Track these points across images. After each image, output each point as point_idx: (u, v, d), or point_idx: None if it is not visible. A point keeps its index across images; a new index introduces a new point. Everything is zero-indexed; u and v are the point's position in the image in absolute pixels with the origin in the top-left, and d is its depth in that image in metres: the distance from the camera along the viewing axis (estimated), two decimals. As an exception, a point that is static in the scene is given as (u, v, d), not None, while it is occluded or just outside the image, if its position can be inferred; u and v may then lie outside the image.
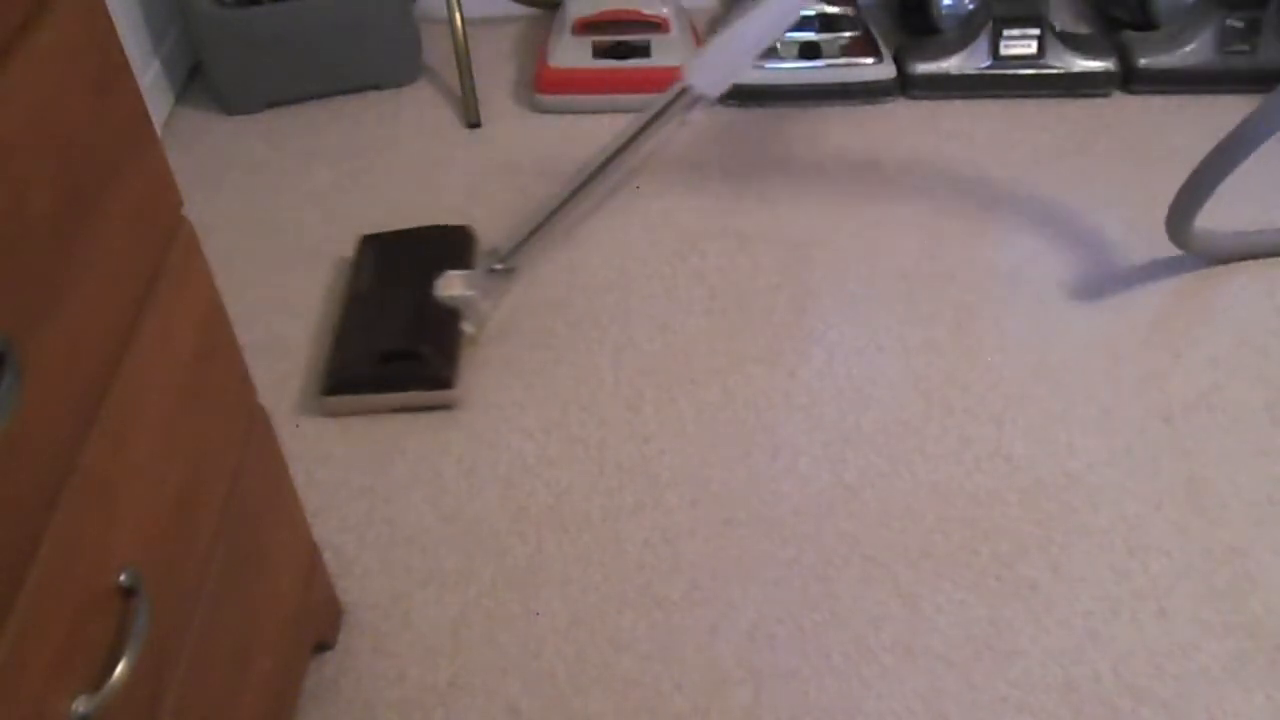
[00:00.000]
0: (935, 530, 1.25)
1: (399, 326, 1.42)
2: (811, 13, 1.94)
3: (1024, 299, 1.54)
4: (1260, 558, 1.22)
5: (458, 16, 1.89)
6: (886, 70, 1.92)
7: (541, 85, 1.91)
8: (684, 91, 1.31)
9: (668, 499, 1.29)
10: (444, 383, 1.38)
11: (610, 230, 1.67)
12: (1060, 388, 1.41)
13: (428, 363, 1.39)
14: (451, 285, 1.44)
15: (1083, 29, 2.07)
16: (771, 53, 1.92)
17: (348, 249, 1.60)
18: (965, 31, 1.93)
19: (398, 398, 1.38)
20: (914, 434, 1.36)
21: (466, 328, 1.44)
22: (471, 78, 1.91)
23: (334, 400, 1.38)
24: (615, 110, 1.92)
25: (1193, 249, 1.52)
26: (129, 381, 0.69)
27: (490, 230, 1.67)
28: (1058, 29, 1.92)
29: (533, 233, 1.38)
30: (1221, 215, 1.50)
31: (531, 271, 1.48)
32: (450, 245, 1.55)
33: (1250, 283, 1.56)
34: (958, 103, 1.93)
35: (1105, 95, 1.93)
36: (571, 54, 1.91)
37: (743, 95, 1.92)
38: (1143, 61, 1.90)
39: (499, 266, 1.40)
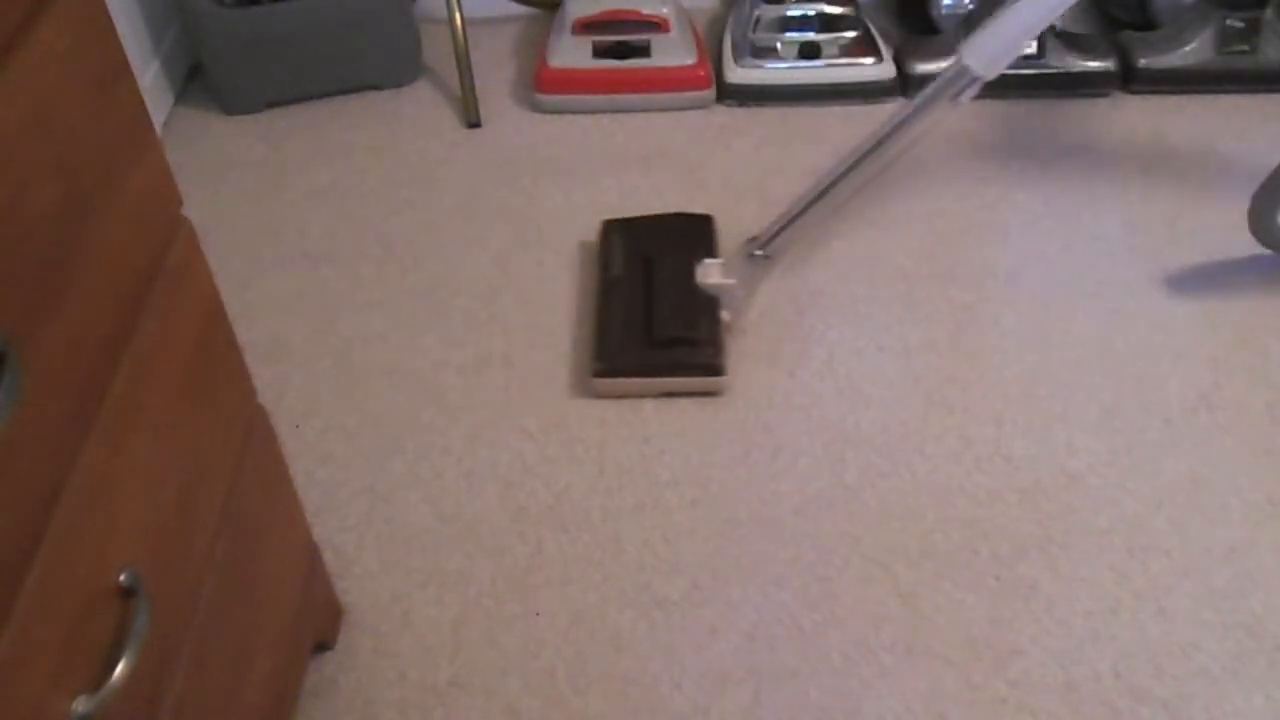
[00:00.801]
0: (935, 530, 1.25)
1: (669, 313, 1.43)
2: (811, 13, 1.94)
3: (1024, 299, 1.54)
4: (1260, 558, 1.22)
5: (458, 16, 1.89)
6: (886, 70, 1.92)
7: (541, 85, 1.91)
8: (960, 73, 1.26)
9: (668, 499, 1.29)
10: (716, 369, 1.39)
11: (610, 230, 1.67)
12: (1060, 388, 1.41)
13: (701, 349, 1.40)
14: (712, 273, 1.45)
15: (1083, 29, 2.07)
16: (771, 53, 1.93)
17: (341, 250, 1.60)
18: (965, 31, 1.93)
19: (668, 382, 1.40)
20: (914, 434, 1.36)
21: (725, 315, 1.45)
22: (471, 78, 1.91)
23: (604, 382, 1.40)
24: (615, 110, 1.92)
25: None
26: (129, 381, 0.69)
27: (495, 234, 1.67)
28: (1058, 29, 1.92)
29: (793, 220, 1.37)
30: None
31: (789, 259, 1.47)
32: (695, 232, 1.57)
33: (1250, 282, 1.56)
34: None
35: (1105, 95, 1.93)
36: (571, 54, 1.91)
37: (743, 95, 1.92)
38: (1143, 61, 1.90)
39: (759, 253, 1.40)
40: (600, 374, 1.40)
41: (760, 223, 1.58)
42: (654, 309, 1.43)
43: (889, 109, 1.91)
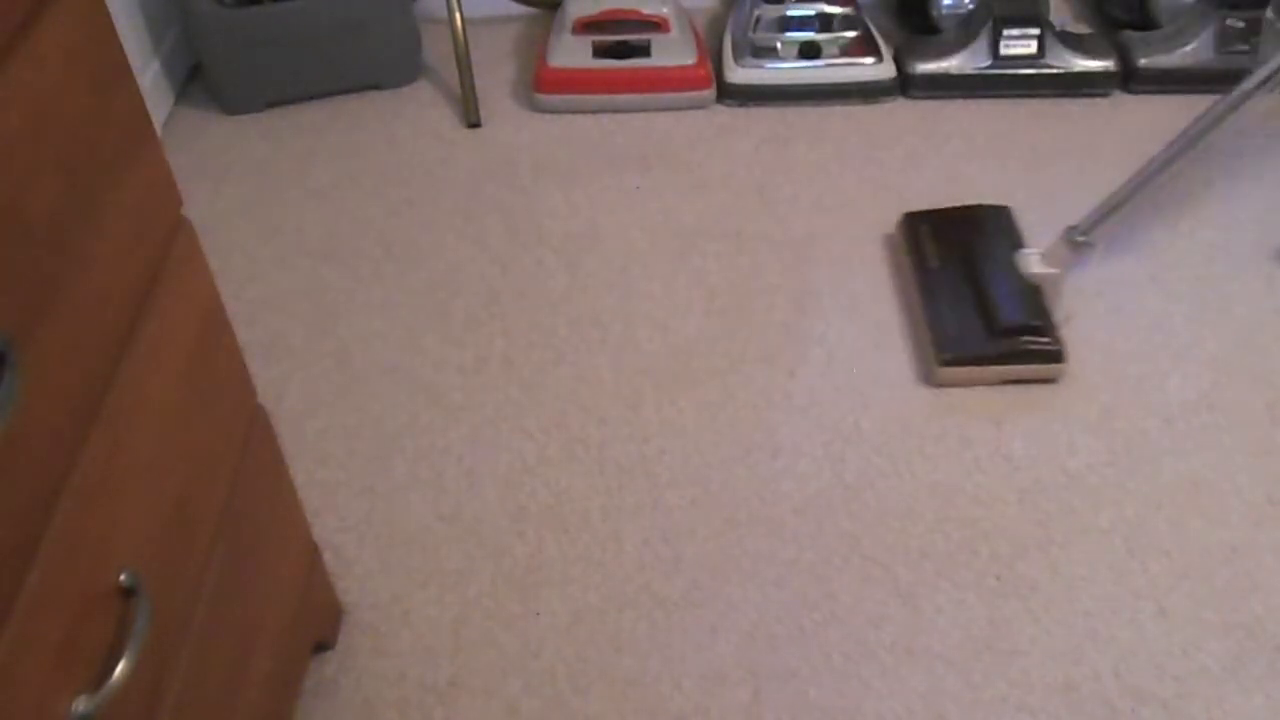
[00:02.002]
0: (935, 530, 1.25)
1: (1007, 302, 1.45)
2: (811, 13, 1.94)
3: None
4: (1260, 558, 1.22)
5: (458, 16, 1.89)
6: (886, 70, 1.92)
7: (541, 85, 1.91)
8: None
9: (668, 499, 1.29)
10: (1058, 356, 1.41)
11: (610, 230, 1.67)
12: (1060, 388, 1.41)
13: (1043, 336, 1.42)
14: (1033, 262, 1.47)
15: (1083, 29, 2.07)
16: (771, 53, 1.93)
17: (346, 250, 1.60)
18: (965, 31, 1.93)
19: (1008, 370, 1.42)
20: (914, 434, 1.36)
21: (1049, 302, 1.47)
22: (471, 78, 1.91)
23: (949, 371, 1.42)
24: (615, 110, 1.92)
25: None
26: (129, 381, 0.69)
27: (494, 234, 1.67)
28: (1058, 29, 1.92)
29: (1117, 207, 1.38)
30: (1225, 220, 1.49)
31: (1109, 246, 1.49)
32: (999, 223, 1.59)
33: (1250, 282, 1.56)
34: (958, 103, 1.93)
35: (1105, 95, 1.93)
36: (571, 54, 1.91)
37: (743, 95, 1.92)
38: (1143, 61, 1.90)
39: (1081, 239, 1.41)
40: (947, 363, 1.42)
41: (761, 222, 1.59)
42: (989, 299, 1.45)
43: (887, 109, 1.91)
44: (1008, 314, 1.43)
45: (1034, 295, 1.47)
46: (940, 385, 1.42)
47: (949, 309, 1.47)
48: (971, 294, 1.48)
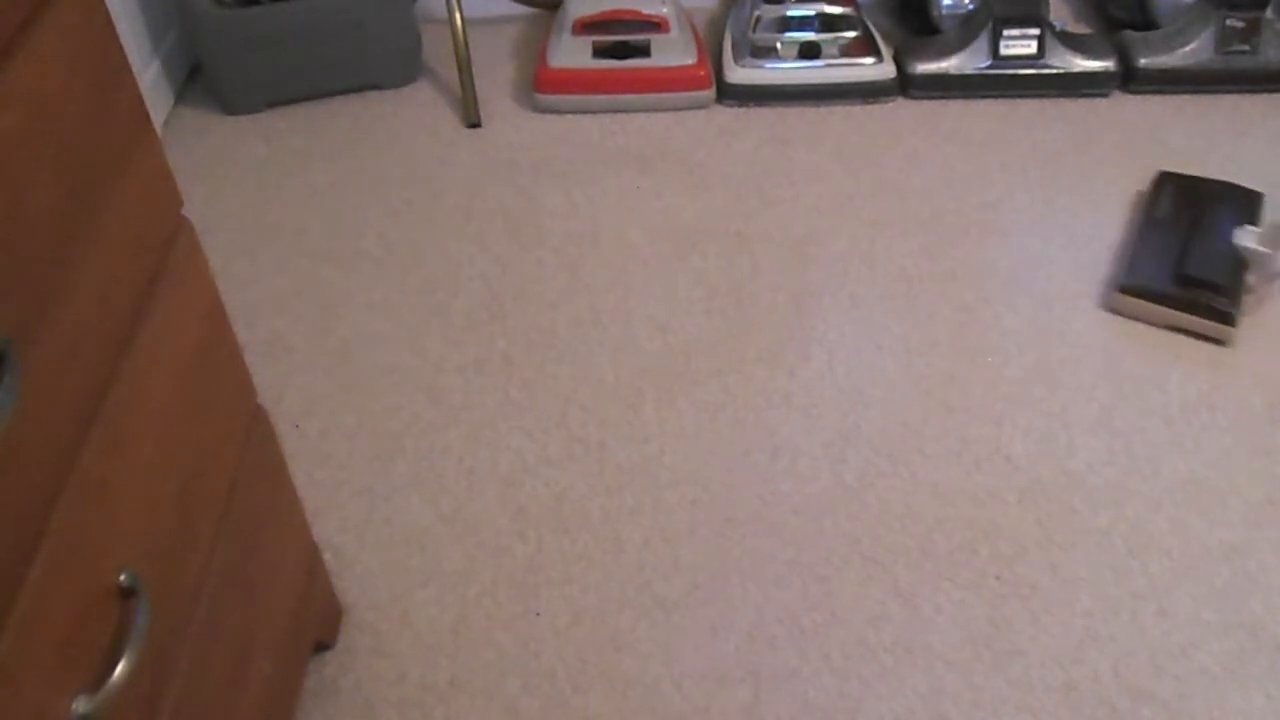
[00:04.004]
0: (935, 530, 1.25)
1: (1201, 256, 1.51)
2: (811, 13, 1.94)
3: (1024, 299, 1.54)
4: (1260, 558, 1.22)
5: (458, 16, 1.90)
6: (886, 70, 1.92)
7: (541, 85, 1.91)
8: None
9: (668, 499, 1.29)
10: (1230, 319, 1.46)
11: (610, 230, 1.67)
12: (1060, 388, 1.41)
13: (1221, 296, 1.47)
14: (1248, 237, 1.52)
15: (1083, 29, 2.07)
16: (771, 53, 1.93)
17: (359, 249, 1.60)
18: (965, 31, 1.93)
19: (1180, 318, 1.48)
20: (914, 434, 1.36)
21: (1250, 277, 1.51)
22: (471, 78, 1.91)
23: (1125, 299, 1.50)
24: (615, 110, 1.92)
25: None
26: (129, 381, 0.69)
27: (494, 234, 1.67)
28: (1058, 29, 1.93)
29: None
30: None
31: None
32: (1243, 202, 1.64)
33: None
34: (958, 103, 1.93)
35: (1105, 95, 1.93)
36: (571, 54, 1.91)
37: (743, 95, 1.92)
38: (1143, 61, 1.90)
39: None
40: (1126, 291, 1.50)
41: (761, 222, 1.59)
42: (1188, 250, 1.53)
43: (887, 109, 1.91)
44: (1196, 266, 1.50)
45: (1234, 262, 1.52)
46: (1114, 311, 1.51)
47: (1150, 250, 1.55)
48: (1178, 244, 1.55)
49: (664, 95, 1.92)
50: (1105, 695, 1.10)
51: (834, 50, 1.93)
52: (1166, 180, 1.69)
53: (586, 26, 1.92)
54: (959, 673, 1.12)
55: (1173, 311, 1.48)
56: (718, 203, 1.72)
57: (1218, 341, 1.47)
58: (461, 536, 1.26)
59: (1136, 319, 1.50)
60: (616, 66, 1.91)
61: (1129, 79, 1.92)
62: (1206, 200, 1.63)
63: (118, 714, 0.66)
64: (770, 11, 1.93)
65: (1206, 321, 1.47)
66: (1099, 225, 1.66)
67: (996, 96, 1.93)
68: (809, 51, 1.93)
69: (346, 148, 1.86)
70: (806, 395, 1.41)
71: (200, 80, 2.01)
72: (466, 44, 1.90)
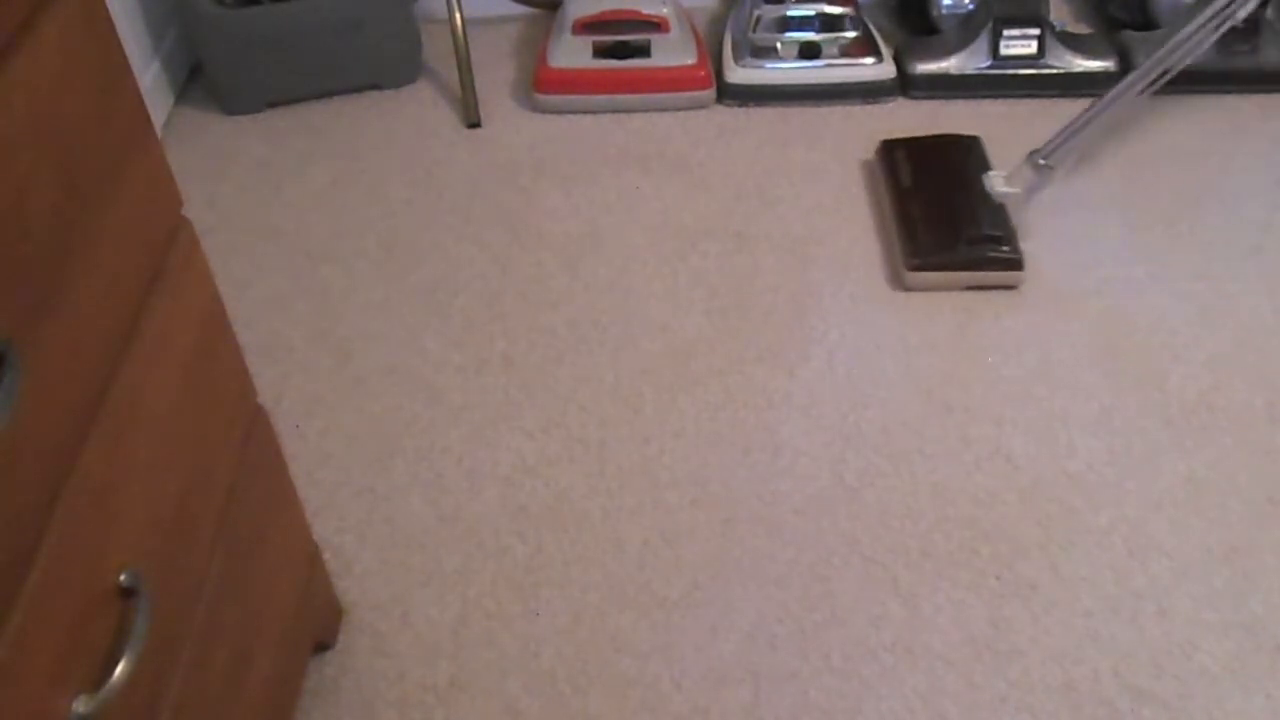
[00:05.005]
0: (935, 530, 1.25)
1: (972, 214, 1.58)
2: (811, 13, 1.94)
3: (1024, 299, 1.54)
4: (1260, 558, 1.22)
5: (458, 16, 1.89)
6: (886, 70, 1.92)
7: (541, 85, 1.91)
8: None
9: (668, 499, 1.29)
10: (1017, 264, 1.54)
11: (610, 230, 1.67)
12: (1060, 388, 1.41)
13: (1004, 246, 1.55)
14: (998, 182, 1.61)
15: (1083, 29, 2.07)
16: (771, 53, 1.93)
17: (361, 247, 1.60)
18: (965, 31, 1.93)
19: (972, 276, 1.55)
20: (914, 434, 1.36)
21: (1012, 219, 1.59)
22: (471, 78, 1.91)
23: (917, 275, 1.55)
24: (615, 110, 1.92)
25: None
26: (129, 381, 0.69)
27: (494, 234, 1.67)
28: (1058, 29, 1.92)
29: (1075, 132, 1.50)
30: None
31: (1070, 168, 1.65)
32: (968, 149, 1.73)
33: (1250, 282, 1.56)
34: (958, 103, 1.93)
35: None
36: (571, 54, 1.91)
37: (743, 95, 1.92)
38: (1143, 61, 1.90)
39: (1042, 162, 1.54)
40: (915, 268, 1.54)
41: (761, 222, 1.58)
42: (956, 212, 1.59)
43: (887, 109, 1.91)
44: (973, 225, 1.56)
45: (998, 211, 1.59)
46: (909, 289, 1.55)
47: (920, 222, 1.59)
48: (941, 208, 1.61)
49: (664, 95, 1.91)
50: (1105, 695, 1.10)
51: (834, 50, 1.93)
52: (891, 149, 1.74)
53: (586, 26, 1.92)
54: (959, 673, 1.12)
55: (966, 273, 1.54)
56: (718, 203, 1.72)
57: (1010, 287, 1.55)
58: (461, 536, 1.26)
59: (932, 290, 1.55)
60: (616, 66, 1.91)
61: (1129, 79, 1.92)
62: (939, 158, 1.71)
63: (118, 714, 0.66)
64: (770, 11, 1.93)
65: (999, 273, 1.54)
66: (1097, 224, 1.66)
67: (996, 96, 1.93)
68: (809, 51, 1.93)
69: (346, 148, 1.86)
70: (806, 395, 1.41)
71: (200, 80, 2.01)
72: (466, 44, 1.90)
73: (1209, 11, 1.38)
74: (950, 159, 1.71)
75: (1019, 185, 1.59)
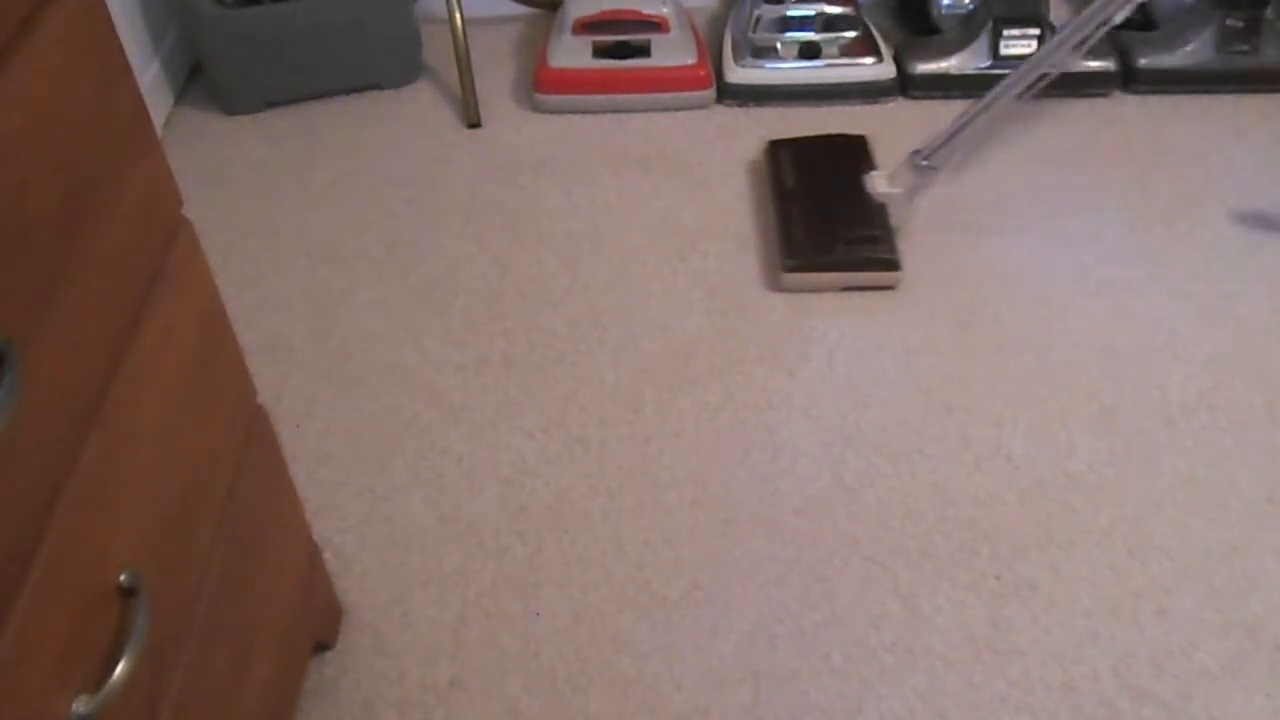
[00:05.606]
0: (935, 530, 1.25)
1: (849, 215, 1.59)
2: (811, 13, 1.94)
3: (1024, 299, 1.54)
4: (1260, 558, 1.22)
5: (458, 16, 1.89)
6: (886, 70, 1.92)
7: (541, 85, 1.91)
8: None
9: (668, 499, 1.29)
10: (894, 265, 1.55)
11: (610, 230, 1.67)
12: (1060, 388, 1.41)
13: (881, 246, 1.55)
14: (879, 183, 1.61)
15: (1083, 29, 2.07)
16: (771, 53, 1.93)
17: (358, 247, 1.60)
18: (965, 31, 1.93)
19: (849, 277, 1.55)
20: (914, 434, 1.36)
21: (893, 219, 1.60)
22: (471, 78, 1.91)
23: (793, 277, 1.55)
24: (615, 110, 1.92)
25: None
26: (129, 381, 0.69)
27: (494, 234, 1.67)
28: (1058, 29, 1.92)
29: (956, 133, 1.50)
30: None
31: (951, 170, 1.64)
32: (854, 150, 1.74)
33: (1250, 282, 1.56)
34: (958, 103, 1.92)
35: (1105, 95, 1.93)
36: (571, 54, 1.91)
37: (743, 95, 1.92)
38: (1143, 61, 1.90)
39: (924, 163, 1.54)
40: (791, 269, 1.55)
41: (761, 222, 1.58)
42: (834, 213, 1.60)
43: (887, 109, 1.91)
44: (849, 226, 1.57)
45: (878, 211, 1.60)
46: (786, 290, 1.55)
47: (800, 222, 1.60)
48: (819, 209, 1.62)
49: (664, 95, 1.91)
50: (1105, 695, 1.10)
51: (834, 50, 1.93)
52: (778, 149, 1.74)
53: (586, 26, 1.92)
54: (959, 673, 1.12)
55: (842, 274, 1.54)
56: (718, 203, 1.72)
57: (888, 287, 1.55)
58: (461, 536, 1.26)
59: (808, 290, 1.55)
60: (616, 66, 1.91)
61: (1129, 79, 1.92)
62: (822, 158, 1.71)
63: (118, 714, 0.66)
64: (770, 11, 1.93)
65: (876, 274, 1.55)
66: (1098, 224, 1.66)
67: (996, 96, 1.93)
68: (809, 51, 1.93)
69: (346, 148, 1.86)
70: (806, 395, 1.41)
71: (200, 80, 2.01)
72: (466, 44, 1.90)
73: (1084, 15, 1.38)
74: (835, 159, 1.71)
75: (900, 186, 1.59)
